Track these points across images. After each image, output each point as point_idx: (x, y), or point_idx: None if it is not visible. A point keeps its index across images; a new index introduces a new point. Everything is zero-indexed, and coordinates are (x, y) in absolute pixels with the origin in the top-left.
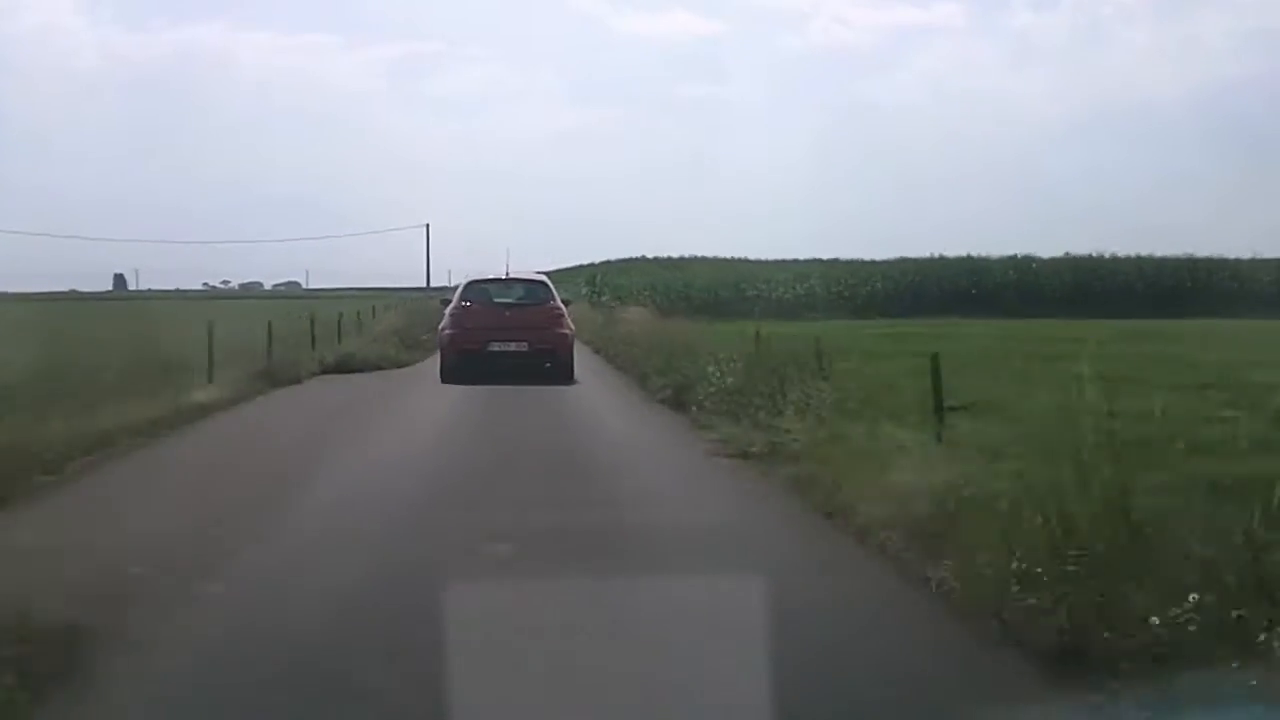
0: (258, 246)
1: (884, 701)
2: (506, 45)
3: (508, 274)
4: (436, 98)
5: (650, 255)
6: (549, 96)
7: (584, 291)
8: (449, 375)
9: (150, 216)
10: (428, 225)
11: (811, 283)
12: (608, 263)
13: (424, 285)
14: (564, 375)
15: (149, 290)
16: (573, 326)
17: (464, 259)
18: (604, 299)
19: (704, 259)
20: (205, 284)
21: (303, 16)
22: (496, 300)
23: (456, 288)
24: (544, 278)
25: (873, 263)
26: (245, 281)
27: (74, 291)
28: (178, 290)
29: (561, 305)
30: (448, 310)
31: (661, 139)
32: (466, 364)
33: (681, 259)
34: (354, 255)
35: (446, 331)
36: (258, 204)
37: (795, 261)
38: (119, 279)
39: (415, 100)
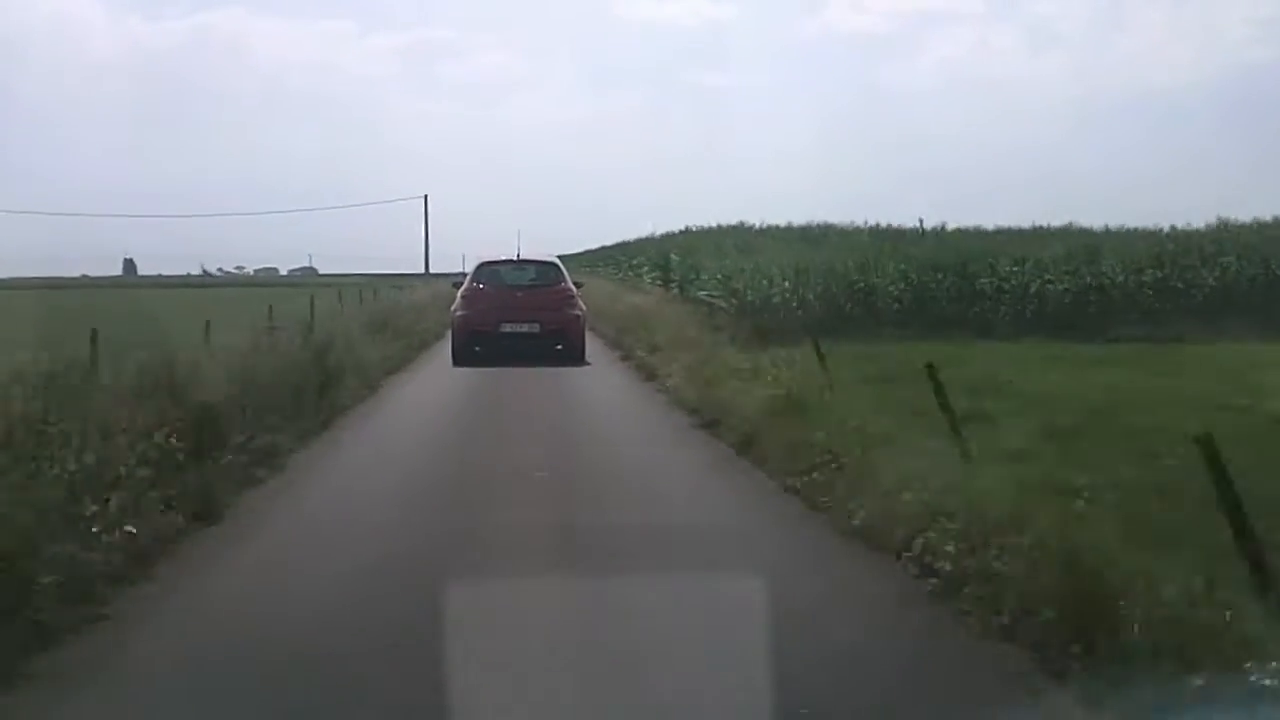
0: (274, 233)
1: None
2: (519, 31)
3: (519, 256)
4: (450, 85)
5: (751, 222)
6: (562, 83)
7: (650, 279)
8: (461, 357)
9: (162, 203)
10: (425, 197)
11: (1106, 265)
12: (687, 231)
13: (423, 271)
14: (575, 357)
15: (159, 276)
16: (584, 307)
17: (480, 244)
18: (705, 293)
19: (841, 228)
20: (220, 269)
21: (317, 3)
22: (508, 282)
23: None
24: (555, 260)
25: (1185, 232)
26: (260, 267)
27: (85, 277)
28: (188, 275)
29: (573, 287)
30: (460, 292)
31: (679, 121)
32: (479, 344)
33: (812, 227)
34: (371, 241)
35: (459, 313)
36: (269, 191)
37: (1045, 230)
38: (128, 264)
39: (428, 87)
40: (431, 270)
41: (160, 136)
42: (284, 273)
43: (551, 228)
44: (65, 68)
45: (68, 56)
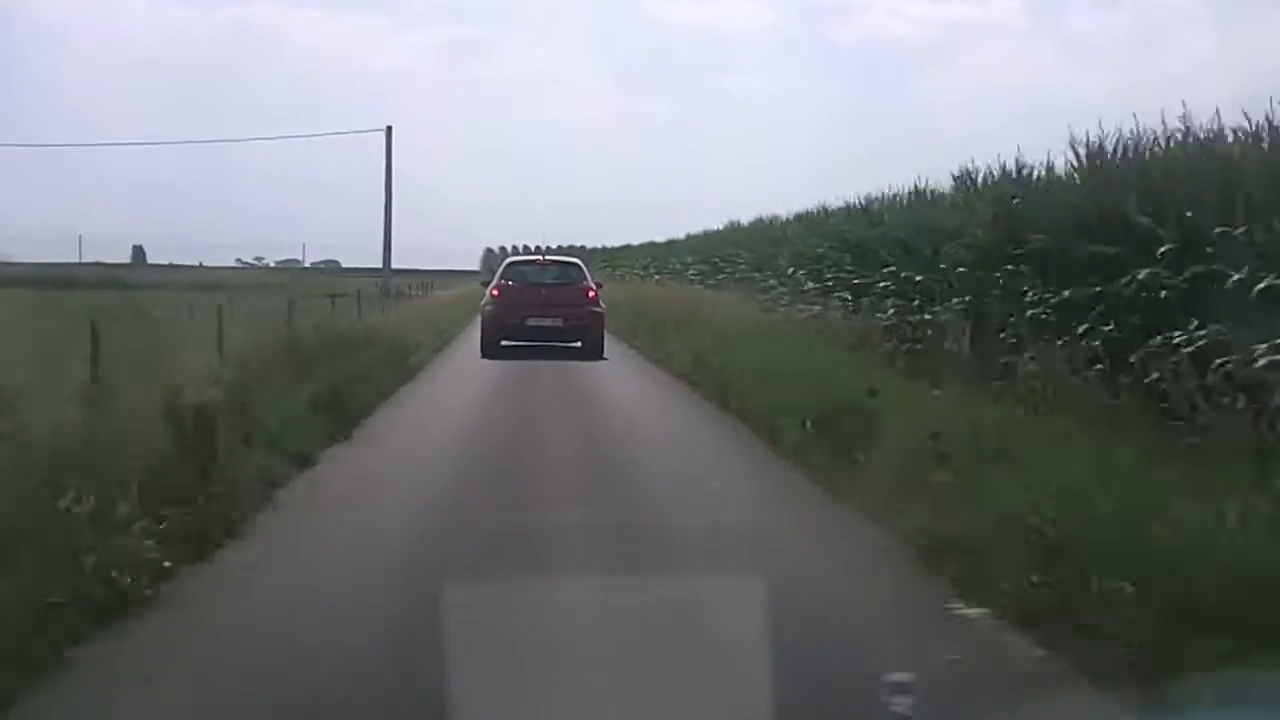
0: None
1: None
2: (553, 31)
3: (544, 256)
4: (482, 81)
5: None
6: (593, 82)
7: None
8: (489, 349)
9: (177, 192)
10: (389, 128)
11: None
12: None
13: (382, 265)
14: (594, 351)
15: (171, 265)
16: (604, 305)
17: (507, 239)
18: None
19: None
20: (238, 260)
21: None
22: (534, 280)
23: (496, 269)
24: (577, 259)
25: None
26: (282, 259)
27: (99, 264)
28: (203, 267)
29: (594, 285)
30: (489, 289)
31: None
32: (506, 337)
33: None
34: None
35: (489, 308)
36: (291, 185)
37: None
38: (137, 251)
39: (460, 83)
40: (397, 265)
41: (186, 129)
42: (306, 265)
43: (581, 225)
44: (98, 53)
45: (101, 42)
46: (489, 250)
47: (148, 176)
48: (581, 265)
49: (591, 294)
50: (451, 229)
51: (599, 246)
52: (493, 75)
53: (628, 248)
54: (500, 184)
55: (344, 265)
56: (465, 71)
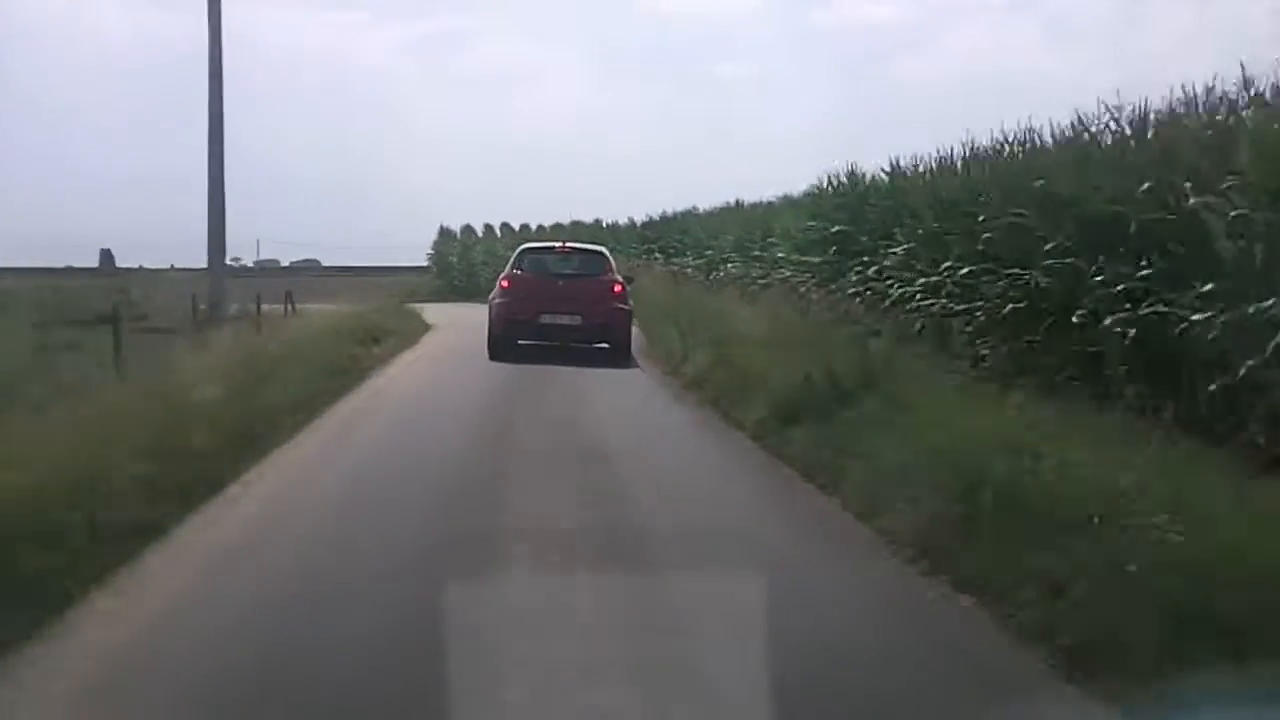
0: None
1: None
2: (533, 21)
3: (563, 243)
4: (461, 74)
5: None
6: (573, 72)
7: None
8: (497, 349)
9: (147, 189)
10: None
11: None
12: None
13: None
14: (620, 356)
15: (141, 268)
16: (631, 302)
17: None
18: None
19: None
20: None
21: None
22: (551, 270)
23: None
24: (601, 248)
25: None
26: (260, 259)
27: (69, 268)
28: (174, 270)
29: (621, 279)
30: (499, 278)
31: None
32: (517, 335)
33: None
34: (362, 229)
35: (497, 300)
36: (278, 181)
37: None
38: (105, 255)
39: (442, 77)
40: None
41: (159, 127)
42: (285, 265)
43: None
44: (69, 53)
45: (72, 41)
46: (444, 231)
47: (118, 172)
48: (607, 254)
49: (617, 289)
50: (418, 220)
51: (627, 220)
52: (472, 66)
53: (690, 215)
54: (478, 169)
55: (324, 264)
56: (445, 62)
